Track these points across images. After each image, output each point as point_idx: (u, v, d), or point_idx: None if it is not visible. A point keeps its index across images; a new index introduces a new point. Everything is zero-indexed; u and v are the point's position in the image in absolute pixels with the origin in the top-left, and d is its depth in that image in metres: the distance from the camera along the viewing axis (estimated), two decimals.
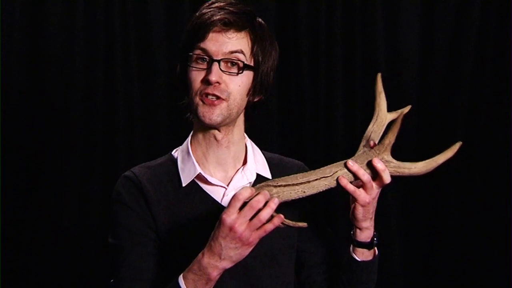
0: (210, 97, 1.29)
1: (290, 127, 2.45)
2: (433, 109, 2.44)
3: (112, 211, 1.37)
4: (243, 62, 1.30)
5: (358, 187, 1.24)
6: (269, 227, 1.15)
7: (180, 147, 1.42)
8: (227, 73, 1.29)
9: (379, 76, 1.29)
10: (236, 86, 1.30)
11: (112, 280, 1.37)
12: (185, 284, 1.20)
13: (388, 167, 1.23)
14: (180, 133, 2.32)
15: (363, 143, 1.27)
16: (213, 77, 1.27)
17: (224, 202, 1.34)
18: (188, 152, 1.37)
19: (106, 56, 2.37)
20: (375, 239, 1.33)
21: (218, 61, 1.28)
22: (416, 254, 2.47)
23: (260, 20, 1.37)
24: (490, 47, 2.41)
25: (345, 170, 1.23)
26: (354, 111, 2.44)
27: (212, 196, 1.35)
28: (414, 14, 2.46)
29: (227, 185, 1.36)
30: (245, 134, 1.43)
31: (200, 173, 1.34)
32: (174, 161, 1.39)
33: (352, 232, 1.32)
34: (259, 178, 1.38)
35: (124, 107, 2.37)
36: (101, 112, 2.36)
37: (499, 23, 2.40)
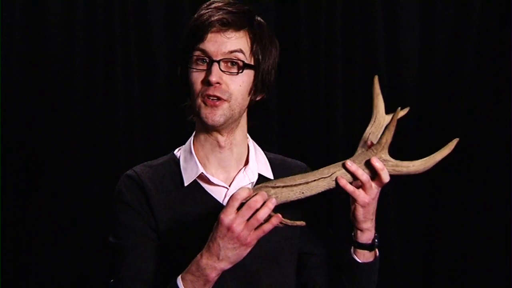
0: (211, 98, 1.29)
1: (290, 127, 2.45)
2: (433, 109, 2.44)
3: (113, 210, 1.37)
4: (243, 61, 1.30)
5: (357, 187, 1.24)
6: (267, 227, 1.15)
7: (183, 146, 1.42)
8: (227, 73, 1.29)
9: (376, 78, 1.29)
10: (237, 86, 1.30)
11: (112, 280, 1.37)
12: (183, 285, 1.20)
13: (386, 166, 1.23)
14: (180, 133, 2.35)
15: (361, 144, 1.27)
16: (213, 78, 1.28)
17: (226, 203, 1.34)
18: (191, 152, 1.37)
19: (106, 56, 2.36)
20: (376, 240, 1.33)
21: (218, 62, 1.29)
22: (416, 254, 2.47)
23: (259, 19, 1.37)
24: (490, 47, 2.41)
25: (344, 170, 1.23)
26: (354, 111, 2.44)
27: (214, 196, 1.35)
28: (414, 14, 2.46)
29: (229, 186, 1.36)
30: (248, 135, 1.43)
31: (202, 173, 1.34)
32: (177, 160, 1.39)
33: (353, 234, 1.32)
34: (261, 179, 1.38)
35: (124, 107, 2.36)
36: (101, 112, 2.36)
37: (499, 23, 2.40)
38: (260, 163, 1.41)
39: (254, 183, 1.38)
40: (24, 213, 2.33)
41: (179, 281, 1.21)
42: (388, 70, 2.44)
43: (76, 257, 2.33)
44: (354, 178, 1.23)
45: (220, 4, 1.33)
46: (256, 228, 1.15)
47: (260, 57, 1.33)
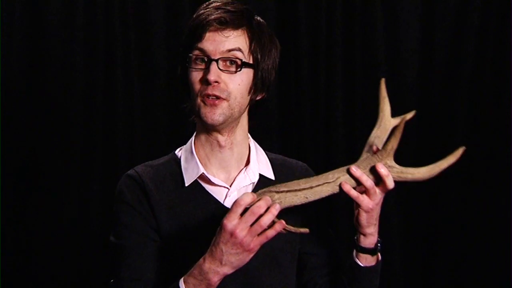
0: (210, 97, 1.29)
1: (290, 127, 2.45)
2: (433, 109, 2.44)
3: (114, 210, 1.37)
4: (241, 59, 1.30)
5: (362, 192, 1.24)
6: (271, 233, 1.15)
7: (184, 146, 1.42)
8: (226, 72, 1.29)
9: (383, 81, 1.28)
10: (235, 85, 1.30)
11: (112, 280, 1.37)
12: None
13: (391, 172, 1.22)
14: (180, 133, 2.35)
15: (366, 148, 1.26)
16: (211, 77, 1.28)
17: (227, 203, 1.34)
18: (192, 152, 1.37)
19: (106, 56, 2.36)
20: (379, 245, 1.33)
21: (216, 60, 1.29)
22: (416, 254, 2.46)
23: (258, 18, 1.37)
24: (490, 47, 2.40)
25: (348, 175, 1.23)
26: (354, 111, 2.43)
27: (215, 196, 1.35)
28: (414, 14, 2.46)
29: (230, 186, 1.36)
30: (249, 134, 1.43)
31: (203, 173, 1.34)
32: (178, 160, 1.39)
33: (355, 238, 1.32)
34: (262, 179, 1.38)
35: (124, 107, 2.36)
36: (101, 112, 2.36)
37: (499, 23, 2.40)
38: (261, 163, 1.41)
39: (255, 183, 1.38)
40: (24, 213, 2.34)
41: (182, 283, 1.21)
42: (388, 70, 2.43)
43: (76, 257, 2.33)
44: (359, 183, 1.23)
45: (218, 3, 1.34)
46: (259, 234, 1.15)
47: (259, 56, 1.33)
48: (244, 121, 1.39)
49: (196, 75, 1.31)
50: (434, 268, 2.45)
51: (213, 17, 1.30)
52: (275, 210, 1.15)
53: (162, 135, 2.40)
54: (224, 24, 1.30)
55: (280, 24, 2.41)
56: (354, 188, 1.23)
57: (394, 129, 1.23)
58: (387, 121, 1.27)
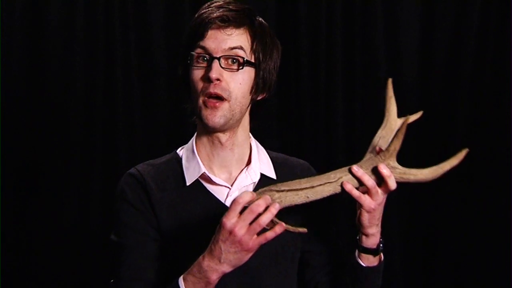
0: (212, 98, 1.29)
1: (290, 127, 2.45)
2: (433, 109, 2.44)
3: (115, 208, 1.37)
4: (243, 58, 1.30)
5: (364, 193, 1.23)
6: (270, 235, 1.15)
7: (185, 145, 1.42)
8: (227, 70, 1.29)
9: (389, 81, 1.28)
10: (237, 84, 1.30)
11: (112, 281, 1.37)
12: (184, 286, 1.20)
13: (393, 173, 1.22)
14: (180, 133, 2.35)
15: (370, 149, 1.26)
16: (213, 74, 1.28)
17: (228, 202, 1.34)
18: (193, 152, 1.37)
19: (106, 56, 2.36)
20: (381, 245, 1.33)
21: (218, 58, 1.29)
22: (416, 254, 2.46)
23: (260, 18, 1.37)
24: (490, 47, 2.41)
25: (350, 175, 1.23)
26: (354, 111, 2.44)
27: (216, 196, 1.35)
28: (414, 14, 2.46)
29: (231, 185, 1.36)
30: (250, 134, 1.43)
31: (204, 172, 1.34)
32: (179, 159, 1.39)
33: (358, 238, 1.32)
34: (263, 178, 1.38)
35: (124, 107, 2.36)
36: (101, 112, 2.36)
37: (499, 23, 2.40)
38: (262, 162, 1.41)
39: (256, 183, 1.38)
40: (24, 213, 2.33)
41: (181, 281, 1.21)
42: (388, 70, 2.43)
43: (76, 257, 2.33)
44: (361, 183, 1.23)
45: (220, 3, 1.34)
46: (259, 234, 1.15)
47: (261, 55, 1.33)
48: (245, 121, 1.39)
49: (198, 73, 1.31)
50: (434, 268, 2.45)
51: (215, 15, 1.30)
52: (274, 209, 1.15)
53: (162, 135, 2.41)
54: (226, 22, 1.30)
55: (280, 24, 2.41)
56: (357, 188, 1.23)
57: (397, 131, 1.22)
58: (393, 121, 1.27)
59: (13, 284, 2.31)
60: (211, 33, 1.30)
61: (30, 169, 2.35)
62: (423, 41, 2.46)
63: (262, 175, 1.39)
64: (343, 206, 2.24)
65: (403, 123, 1.21)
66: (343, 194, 1.23)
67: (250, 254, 1.17)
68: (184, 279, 1.21)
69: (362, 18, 2.44)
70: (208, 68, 1.29)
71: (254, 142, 1.43)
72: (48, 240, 2.33)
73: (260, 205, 1.14)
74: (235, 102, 1.30)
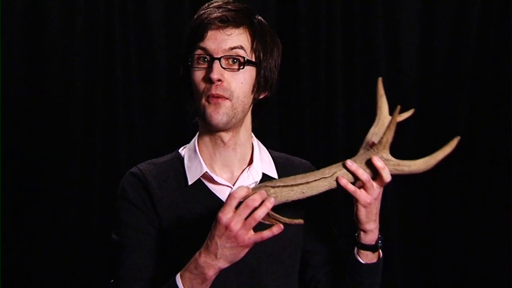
0: (214, 98, 1.29)
1: (290, 127, 2.45)
2: (433, 109, 2.44)
3: (116, 207, 1.37)
4: (244, 57, 1.30)
5: (359, 187, 1.23)
6: (267, 234, 1.15)
7: (187, 145, 1.42)
8: (228, 70, 1.29)
9: (380, 80, 1.29)
10: (238, 84, 1.30)
11: (112, 280, 1.37)
12: (181, 282, 1.20)
13: (387, 165, 1.22)
14: (180, 133, 2.35)
15: (363, 145, 1.27)
16: (214, 75, 1.28)
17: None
18: (195, 151, 1.37)
19: (106, 56, 2.37)
20: (379, 241, 1.33)
21: (219, 59, 1.29)
22: (416, 254, 2.46)
23: (259, 17, 1.37)
24: (490, 47, 2.41)
25: (345, 170, 1.23)
26: (354, 111, 2.44)
27: (218, 195, 1.35)
28: (414, 14, 2.46)
29: (233, 185, 1.36)
30: (252, 134, 1.43)
31: (206, 172, 1.34)
32: (181, 159, 1.39)
33: (356, 235, 1.32)
34: (265, 178, 1.38)
35: (124, 107, 2.37)
36: (101, 112, 2.36)
37: (499, 23, 2.40)
38: (264, 162, 1.41)
39: (258, 183, 1.38)
40: (24, 213, 2.34)
41: (178, 278, 1.21)
42: (388, 70, 2.44)
43: (77, 257, 2.33)
44: (356, 178, 1.23)
45: (219, 3, 1.34)
46: (255, 230, 1.15)
47: (261, 54, 1.33)
48: (247, 121, 1.38)
49: (199, 75, 1.31)
50: (434, 268, 2.45)
51: (214, 15, 1.30)
52: (269, 204, 1.15)
53: (162, 135, 2.41)
54: (225, 22, 1.30)
55: (280, 24, 2.42)
56: (353, 183, 1.23)
57: (388, 123, 1.23)
58: (385, 119, 1.27)
59: (13, 284, 2.31)
60: (210, 33, 1.30)
61: (30, 169, 2.35)
62: (423, 41, 2.46)
63: (264, 174, 1.39)
64: (343, 206, 2.25)
65: (394, 114, 1.21)
66: (339, 189, 1.23)
67: (246, 250, 1.17)
68: (181, 276, 1.21)
69: (362, 18, 2.44)
70: (209, 69, 1.29)
71: (256, 142, 1.43)
72: (48, 240, 2.33)
73: (255, 199, 1.14)
74: (237, 101, 1.30)
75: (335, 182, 1.23)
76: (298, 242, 1.40)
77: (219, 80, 1.28)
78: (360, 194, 1.23)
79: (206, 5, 1.35)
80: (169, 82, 2.39)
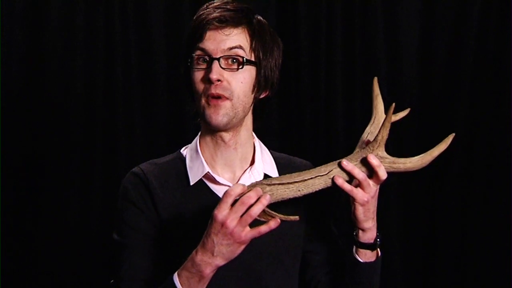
0: (214, 97, 1.29)
1: (290, 127, 2.45)
2: (433, 109, 2.44)
3: (118, 207, 1.37)
4: (243, 57, 1.30)
5: (356, 186, 1.24)
6: (264, 229, 1.15)
7: (189, 145, 1.42)
8: (228, 70, 1.29)
9: (375, 79, 1.30)
10: (238, 83, 1.30)
11: (112, 281, 1.37)
12: (179, 281, 1.20)
13: (383, 163, 1.22)
14: (180, 133, 2.35)
15: (359, 144, 1.27)
16: (213, 75, 1.28)
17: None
18: (197, 151, 1.37)
19: (106, 56, 2.36)
20: (378, 240, 1.33)
21: (218, 59, 1.29)
22: (416, 254, 2.46)
23: (259, 17, 1.37)
24: (490, 47, 2.41)
25: (340, 169, 1.23)
26: (354, 111, 2.44)
27: (219, 195, 1.34)
28: (414, 14, 2.46)
29: None
30: (254, 134, 1.43)
31: (208, 172, 1.34)
32: (183, 159, 1.39)
33: (354, 233, 1.32)
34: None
35: (124, 107, 2.37)
36: (101, 112, 2.36)
37: (499, 23, 2.40)
38: (266, 163, 1.41)
39: None
40: (24, 213, 2.33)
41: (175, 277, 1.21)
42: (388, 70, 2.44)
43: (77, 257, 2.33)
44: (352, 177, 1.23)
45: (218, 3, 1.34)
46: (251, 227, 1.15)
47: (261, 53, 1.33)
48: (248, 120, 1.39)
49: (198, 75, 1.31)
50: (434, 268, 2.45)
51: (212, 16, 1.30)
52: (265, 201, 1.15)
53: (162, 135, 2.41)
54: (224, 22, 1.30)
55: (280, 24, 2.42)
56: (349, 182, 1.23)
57: (383, 121, 1.23)
58: (381, 118, 1.28)
59: (13, 284, 2.31)
60: (209, 34, 1.30)
61: (30, 169, 2.35)
62: (423, 41, 2.46)
63: (265, 175, 1.39)
64: (343, 206, 2.25)
65: (388, 112, 1.21)
66: (335, 188, 1.23)
67: (243, 247, 1.17)
68: (178, 275, 1.21)
69: (362, 18, 2.44)
70: (208, 69, 1.29)
71: (258, 142, 1.43)
72: (48, 240, 2.33)
73: (251, 197, 1.14)
74: (238, 101, 1.30)
75: (330, 181, 1.23)
76: (299, 243, 1.40)
77: (218, 80, 1.28)
78: (357, 193, 1.23)
79: (205, 5, 1.35)
80: (169, 82, 2.39)
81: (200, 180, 1.35)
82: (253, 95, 1.34)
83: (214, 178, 1.35)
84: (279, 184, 1.21)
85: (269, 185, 1.21)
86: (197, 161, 1.36)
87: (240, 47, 1.30)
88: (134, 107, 2.38)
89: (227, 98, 1.29)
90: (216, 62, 1.29)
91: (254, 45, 1.32)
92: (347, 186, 1.23)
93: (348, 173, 1.23)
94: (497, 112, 2.39)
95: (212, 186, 1.35)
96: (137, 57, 2.38)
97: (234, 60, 1.30)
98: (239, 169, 1.38)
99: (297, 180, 1.22)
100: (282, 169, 1.42)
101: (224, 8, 1.32)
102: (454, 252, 2.43)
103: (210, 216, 1.18)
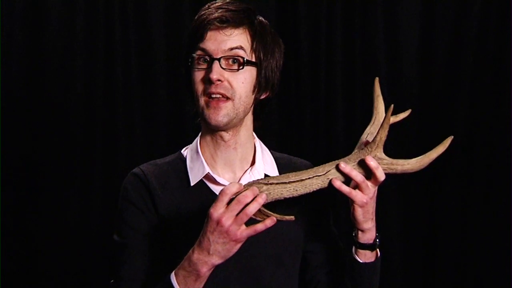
0: (214, 96, 1.29)
1: (290, 127, 2.45)
2: (433, 109, 2.44)
3: (118, 207, 1.37)
4: (243, 58, 1.30)
5: (354, 187, 1.23)
6: (260, 227, 1.15)
7: (190, 146, 1.42)
8: (228, 70, 1.29)
9: (376, 80, 1.29)
10: (239, 83, 1.30)
11: (112, 281, 1.37)
12: (176, 280, 1.20)
13: (381, 164, 1.22)
14: (180, 133, 2.35)
15: (358, 145, 1.27)
16: (214, 75, 1.27)
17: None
18: (197, 152, 1.37)
19: (106, 56, 2.37)
20: (377, 240, 1.33)
21: (218, 59, 1.29)
22: (416, 254, 2.46)
23: (260, 18, 1.36)
24: (490, 47, 2.41)
25: (338, 171, 1.23)
26: (354, 111, 2.44)
27: None
28: (414, 14, 2.46)
29: None
30: (254, 134, 1.43)
31: (208, 172, 1.34)
32: (183, 160, 1.39)
33: (354, 234, 1.32)
34: None
35: (124, 107, 2.37)
36: (101, 112, 2.36)
37: (499, 23, 2.40)
38: (266, 163, 1.41)
39: None
40: (24, 213, 2.34)
41: (173, 276, 1.21)
42: (388, 70, 2.43)
43: (77, 257, 2.33)
44: (349, 178, 1.23)
45: (219, 3, 1.34)
46: (247, 225, 1.15)
47: (261, 54, 1.33)
48: (248, 121, 1.38)
49: (199, 75, 1.31)
50: (434, 268, 2.45)
51: (213, 16, 1.30)
52: (261, 199, 1.15)
53: (162, 135, 2.41)
54: (225, 22, 1.29)
55: (280, 24, 2.42)
56: (347, 184, 1.23)
57: (382, 122, 1.22)
58: (381, 119, 1.27)
59: (13, 284, 2.31)
60: (210, 34, 1.30)
61: (30, 169, 2.35)
62: (423, 41, 2.46)
63: (266, 175, 1.39)
64: (343, 206, 2.25)
65: (387, 112, 1.21)
66: (332, 189, 1.22)
67: (239, 245, 1.17)
68: (175, 274, 1.21)
69: (362, 18, 2.44)
70: (209, 69, 1.29)
71: (259, 143, 1.43)
72: (48, 240, 2.33)
73: (247, 195, 1.14)
74: (239, 101, 1.30)
75: (327, 181, 1.23)
76: (299, 243, 1.40)
77: (218, 80, 1.28)
78: (356, 195, 1.23)
79: (207, 5, 1.35)
80: (169, 82, 2.39)
81: (201, 180, 1.35)
82: (253, 95, 1.34)
83: (215, 179, 1.35)
84: (276, 183, 1.21)
85: (266, 184, 1.20)
86: (197, 162, 1.36)
87: (241, 47, 1.30)
88: (134, 107, 2.38)
89: (229, 98, 1.29)
90: (216, 62, 1.28)
91: (255, 46, 1.32)
92: (345, 189, 1.23)
93: (346, 176, 1.23)
94: (497, 112, 2.39)
95: (212, 186, 1.35)
96: (137, 57, 2.38)
97: (235, 61, 1.30)
98: (239, 169, 1.38)
99: (294, 180, 1.22)
100: (283, 169, 1.42)
101: (225, 8, 1.31)
102: (454, 252, 2.43)
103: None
